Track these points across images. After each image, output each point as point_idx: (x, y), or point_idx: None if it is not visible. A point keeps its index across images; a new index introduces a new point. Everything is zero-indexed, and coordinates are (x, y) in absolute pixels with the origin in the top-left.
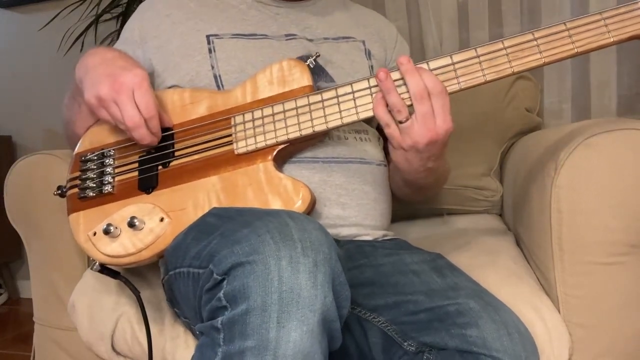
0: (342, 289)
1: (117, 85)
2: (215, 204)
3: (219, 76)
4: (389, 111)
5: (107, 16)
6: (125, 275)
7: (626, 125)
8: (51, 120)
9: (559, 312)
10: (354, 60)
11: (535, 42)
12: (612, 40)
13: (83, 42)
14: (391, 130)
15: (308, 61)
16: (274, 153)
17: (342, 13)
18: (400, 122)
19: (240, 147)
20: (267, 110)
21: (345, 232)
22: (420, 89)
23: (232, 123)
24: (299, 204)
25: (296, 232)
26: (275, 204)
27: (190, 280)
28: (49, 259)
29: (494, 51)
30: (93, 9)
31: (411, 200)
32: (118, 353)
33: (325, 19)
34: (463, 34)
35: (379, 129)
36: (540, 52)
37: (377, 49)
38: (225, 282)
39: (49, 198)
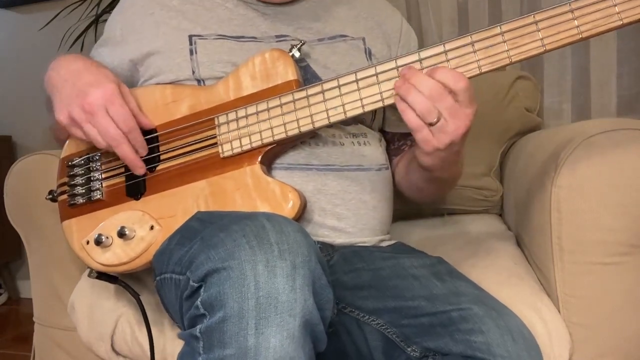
0: (324, 291)
1: (88, 106)
2: (204, 210)
3: (203, 82)
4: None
5: (107, 16)
6: (124, 279)
7: (626, 125)
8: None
9: (559, 312)
10: (352, 62)
11: (535, 27)
12: (622, 22)
13: (83, 42)
14: (424, 134)
15: (292, 52)
16: (261, 155)
17: (339, 6)
18: (431, 124)
19: (226, 150)
20: (251, 109)
21: (340, 241)
22: (435, 89)
23: (216, 123)
24: (288, 209)
25: (273, 235)
26: (264, 209)
27: (173, 286)
28: (49, 259)
29: (490, 37)
30: (93, 9)
31: (430, 199)
32: (118, 353)
33: (320, 16)
34: (463, 33)
35: (383, 131)
36: (542, 39)
37: (379, 46)
38: (202, 290)
39: None
